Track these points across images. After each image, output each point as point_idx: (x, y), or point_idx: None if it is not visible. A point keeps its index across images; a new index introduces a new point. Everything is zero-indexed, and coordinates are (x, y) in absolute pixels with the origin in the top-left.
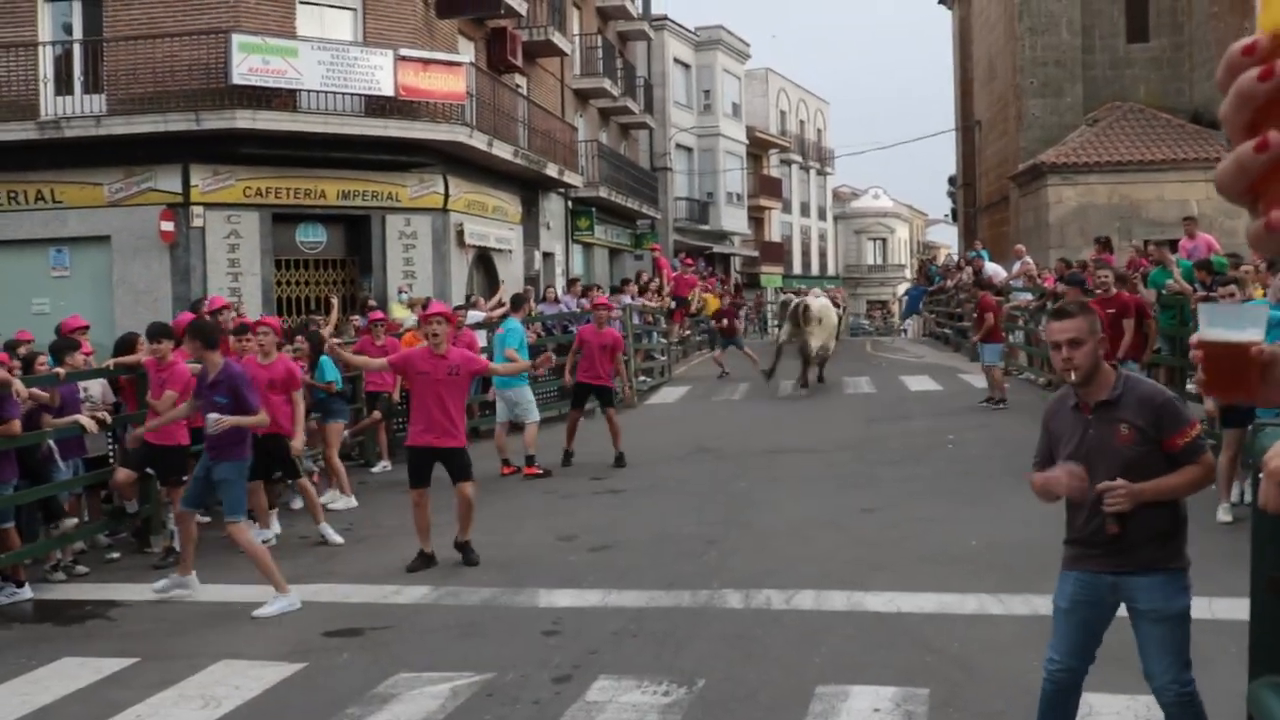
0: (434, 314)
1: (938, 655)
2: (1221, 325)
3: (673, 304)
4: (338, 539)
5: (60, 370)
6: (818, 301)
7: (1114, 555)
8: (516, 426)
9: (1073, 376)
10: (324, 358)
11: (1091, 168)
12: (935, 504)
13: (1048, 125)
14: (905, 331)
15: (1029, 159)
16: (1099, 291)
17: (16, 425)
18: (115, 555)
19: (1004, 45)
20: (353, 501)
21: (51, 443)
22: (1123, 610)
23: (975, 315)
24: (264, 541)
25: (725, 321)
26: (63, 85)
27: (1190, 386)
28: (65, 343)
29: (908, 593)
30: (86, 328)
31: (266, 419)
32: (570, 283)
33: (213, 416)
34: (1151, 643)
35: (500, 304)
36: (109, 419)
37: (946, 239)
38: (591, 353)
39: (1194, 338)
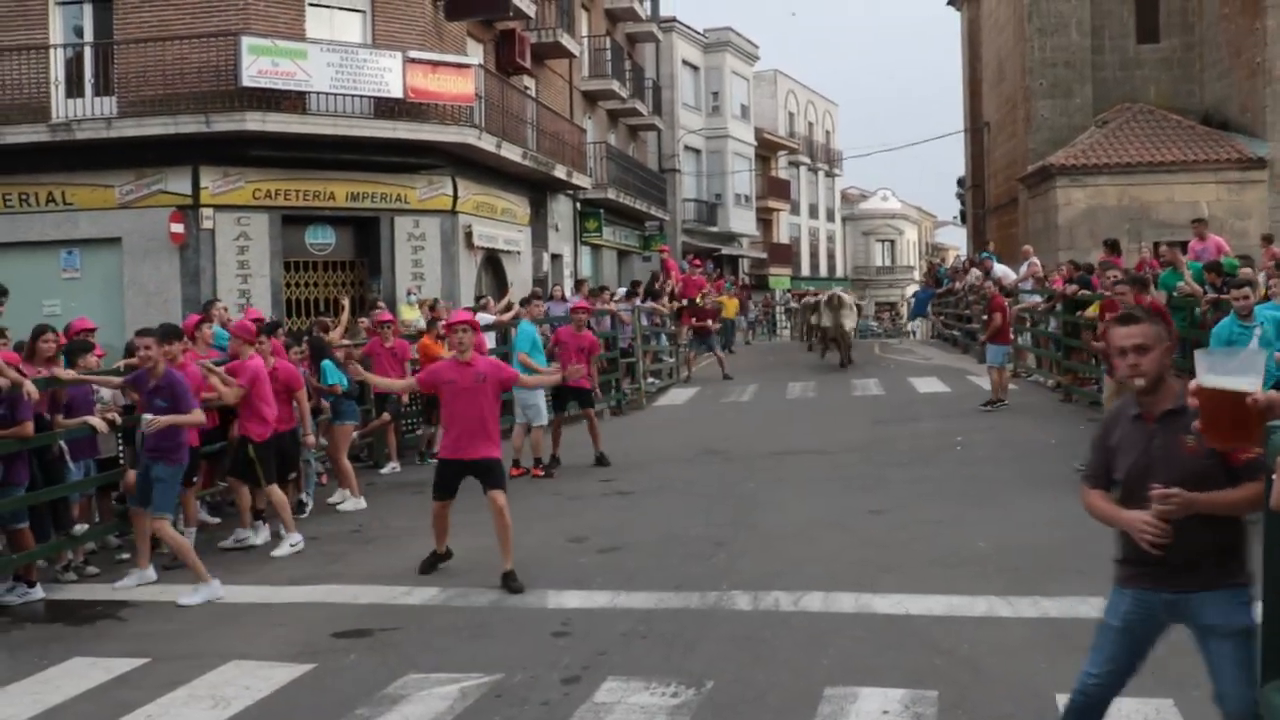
0: (459, 322)
1: (947, 657)
2: (1218, 373)
3: (683, 303)
4: (249, 535)
5: (72, 372)
6: (846, 295)
7: (1173, 573)
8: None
9: (1139, 383)
10: (326, 361)
11: (1101, 169)
12: (943, 506)
13: (1057, 127)
14: (914, 333)
15: (1038, 160)
16: (1112, 293)
17: (29, 427)
18: (126, 556)
19: (1013, 46)
20: (361, 503)
21: (63, 444)
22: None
23: (986, 315)
24: (292, 546)
25: (710, 321)
26: (74, 88)
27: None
28: (78, 344)
29: (916, 595)
30: (94, 329)
31: (203, 418)
32: (578, 284)
33: (146, 417)
34: (1223, 661)
35: (510, 306)
36: (119, 420)
37: (955, 241)
38: (568, 354)
39: (1192, 384)
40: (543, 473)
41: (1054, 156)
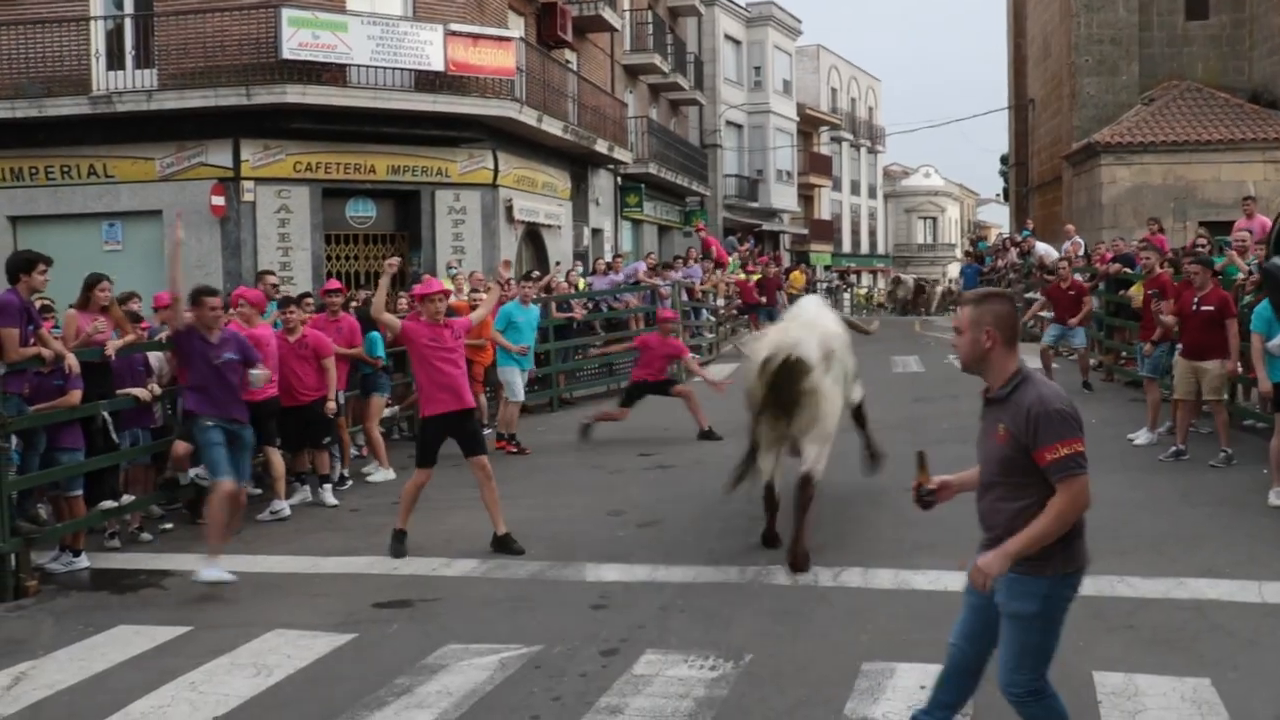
0: (435, 292)
1: None
2: None
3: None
4: (283, 507)
5: (115, 341)
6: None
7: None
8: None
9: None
10: (373, 333)
11: (1146, 147)
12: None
13: (1102, 104)
14: (955, 309)
15: (1083, 138)
16: (1187, 274)
17: (76, 396)
18: (169, 526)
19: (1059, 22)
20: (391, 474)
21: (106, 415)
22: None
23: (1069, 295)
24: (273, 514)
25: (766, 295)
26: (114, 60)
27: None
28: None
29: (954, 572)
30: (169, 305)
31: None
32: (615, 257)
33: (254, 373)
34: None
35: (549, 288)
36: (159, 390)
37: (998, 218)
38: (654, 359)
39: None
40: (514, 449)
41: (1099, 134)
